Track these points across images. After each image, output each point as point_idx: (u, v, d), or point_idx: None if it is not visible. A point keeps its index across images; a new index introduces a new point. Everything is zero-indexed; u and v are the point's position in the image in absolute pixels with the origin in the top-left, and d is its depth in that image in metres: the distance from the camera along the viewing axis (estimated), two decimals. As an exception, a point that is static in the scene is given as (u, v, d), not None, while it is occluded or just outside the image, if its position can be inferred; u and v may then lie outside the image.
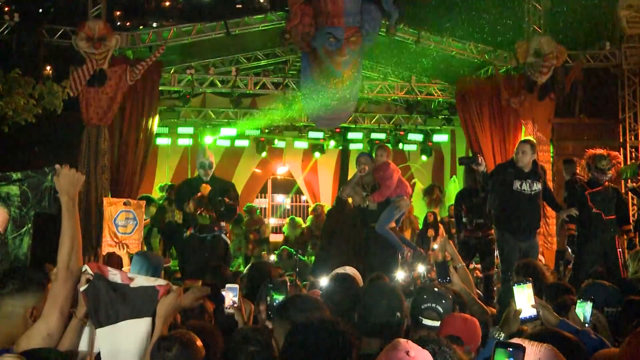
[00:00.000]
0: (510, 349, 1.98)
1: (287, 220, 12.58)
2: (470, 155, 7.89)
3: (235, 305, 3.57)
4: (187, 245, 7.64)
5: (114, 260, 6.45)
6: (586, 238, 6.68)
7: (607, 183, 6.69)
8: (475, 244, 7.67)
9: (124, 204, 8.94)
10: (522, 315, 2.74)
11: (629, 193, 9.73)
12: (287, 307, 2.58)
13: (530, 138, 7.35)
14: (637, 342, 2.07)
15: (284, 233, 12.75)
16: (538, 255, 6.88)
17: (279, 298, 2.48)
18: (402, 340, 2.17)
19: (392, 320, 2.67)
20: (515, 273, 4.52)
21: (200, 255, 7.40)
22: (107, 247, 8.48)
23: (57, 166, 2.67)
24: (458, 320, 2.84)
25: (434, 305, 2.82)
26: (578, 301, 3.09)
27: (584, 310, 3.02)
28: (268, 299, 2.45)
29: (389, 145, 11.61)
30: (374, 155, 7.60)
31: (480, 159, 6.30)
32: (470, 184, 7.80)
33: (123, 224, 8.68)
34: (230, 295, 3.58)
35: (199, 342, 2.47)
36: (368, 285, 3.56)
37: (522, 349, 1.98)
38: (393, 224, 7.33)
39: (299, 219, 12.98)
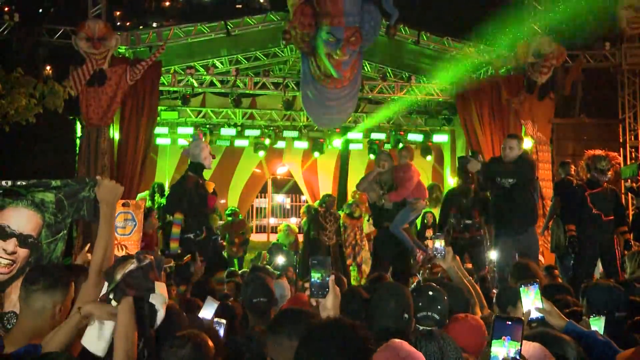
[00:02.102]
0: (509, 323, 2.03)
1: (282, 226, 12.36)
2: (471, 154, 7.73)
3: None
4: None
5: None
6: (585, 238, 6.68)
7: (605, 184, 6.69)
8: (464, 245, 7.53)
9: (123, 205, 8.90)
10: (529, 317, 2.74)
11: (628, 193, 9.73)
12: (280, 321, 2.48)
13: (517, 133, 7.27)
14: None
15: (277, 240, 12.19)
16: (537, 252, 6.82)
17: (316, 276, 2.41)
18: (397, 341, 2.17)
19: (400, 321, 2.65)
20: (511, 274, 4.52)
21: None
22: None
23: (97, 177, 2.86)
24: (464, 328, 2.86)
25: (429, 313, 2.84)
26: (591, 318, 3.05)
27: (599, 327, 2.98)
28: (310, 276, 2.41)
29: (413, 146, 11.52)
30: (398, 154, 7.55)
31: (480, 158, 6.18)
32: (463, 184, 7.68)
33: (122, 226, 8.63)
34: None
35: (210, 343, 2.50)
36: (374, 286, 3.50)
37: (520, 322, 2.02)
38: (406, 225, 7.29)
39: (295, 226, 12.79)
